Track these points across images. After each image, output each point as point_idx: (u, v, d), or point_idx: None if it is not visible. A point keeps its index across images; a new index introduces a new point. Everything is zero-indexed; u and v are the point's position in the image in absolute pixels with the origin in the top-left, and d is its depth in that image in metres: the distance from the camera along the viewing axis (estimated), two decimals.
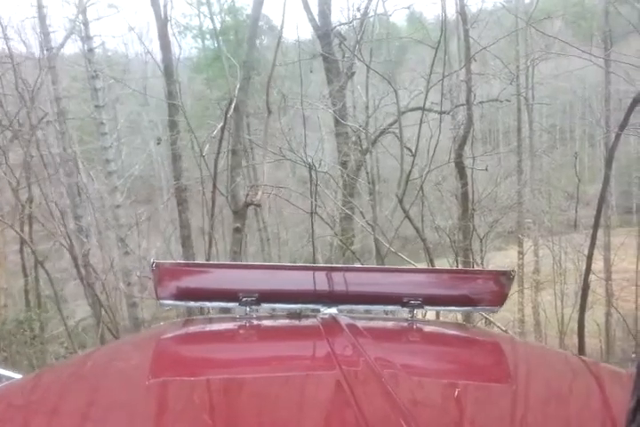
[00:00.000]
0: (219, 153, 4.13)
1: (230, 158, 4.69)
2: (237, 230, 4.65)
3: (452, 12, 9.23)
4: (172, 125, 5.06)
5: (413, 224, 5.59)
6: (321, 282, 1.57)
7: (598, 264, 11.73)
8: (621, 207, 20.45)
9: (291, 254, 13.02)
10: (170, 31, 5.27)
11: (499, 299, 1.61)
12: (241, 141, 4.73)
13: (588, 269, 5.08)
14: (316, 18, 9.27)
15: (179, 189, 5.26)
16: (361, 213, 6.83)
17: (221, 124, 4.04)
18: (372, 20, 9.06)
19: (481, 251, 9.31)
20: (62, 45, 10.25)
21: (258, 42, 10.01)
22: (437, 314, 5.41)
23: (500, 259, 14.84)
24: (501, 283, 1.58)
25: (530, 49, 11.20)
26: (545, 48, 9.30)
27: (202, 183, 4.61)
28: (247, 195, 4.56)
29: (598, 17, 12.56)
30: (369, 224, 6.05)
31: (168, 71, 5.10)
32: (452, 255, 8.35)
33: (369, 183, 7.06)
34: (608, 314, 11.84)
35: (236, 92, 4.34)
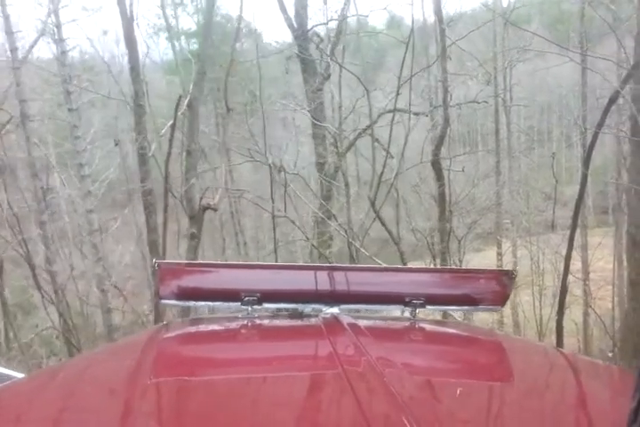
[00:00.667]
0: (169, 154, 3.91)
1: (185, 159, 4.50)
2: (193, 236, 4.43)
3: (430, 15, 9.21)
4: (139, 127, 4.89)
5: (386, 227, 5.49)
6: (323, 282, 1.57)
7: (576, 264, 11.80)
8: (598, 207, 20.73)
9: (264, 257, 12.89)
10: (137, 31, 5.13)
11: (500, 298, 1.61)
12: (196, 141, 4.54)
13: (567, 271, 5.05)
14: (293, 18, 9.16)
15: (145, 192, 5.08)
16: (334, 216, 6.70)
17: (171, 121, 3.83)
18: (349, 21, 9.00)
19: (459, 252, 9.28)
20: (32, 47, 10.03)
21: (238, 45, 9.89)
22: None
23: (478, 260, 14.87)
24: (503, 282, 1.58)
25: (507, 51, 11.25)
26: (522, 49, 9.32)
27: (164, 186, 4.37)
28: (201, 198, 4.34)
29: (574, 20, 12.69)
30: (342, 227, 5.93)
31: (134, 71, 4.92)
32: (431, 257, 8.29)
33: (345, 186, 6.94)
34: (586, 314, 11.92)
35: (190, 88, 4.17)
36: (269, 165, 4.88)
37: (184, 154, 4.60)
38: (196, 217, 4.34)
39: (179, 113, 3.78)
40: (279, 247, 6.94)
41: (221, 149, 4.75)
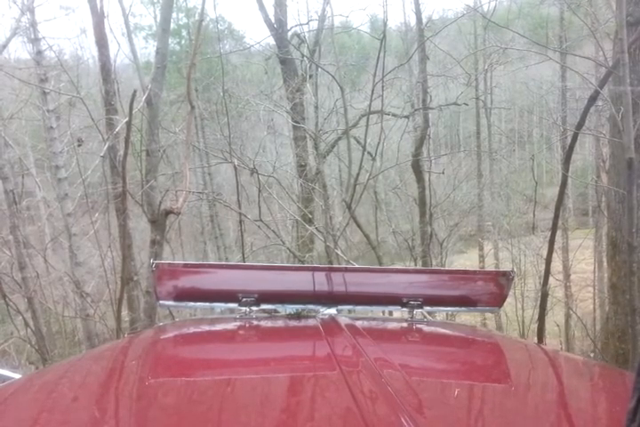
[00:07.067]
0: (126, 154, 3.77)
1: (144, 160, 4.37)
2: (155, 243, 4.27)
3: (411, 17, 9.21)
4: (110, 127, 4.75)
5: (362, 230, 5.42)
6: (320, 282, 1.58)
7: (557, 266, 11.88)
8: (578, 210, 20.98)
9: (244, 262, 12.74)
10: (116, 29, 5.01)
11: (498, 299, 1.62)
12: (156, 140, 4.41)
13: (547, 273, 5.01)
14: (272, 18, 9.06)
15: (116, 195, 4.93)
16: (310, 219, 6.59)
17: (126, 119, 3.69)
18: (330, 21, 8.93)
19: (441, 254, 9.25)
20: (4, 46, 9.77)
21: (220, 46, 9.78)
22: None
23: (461, 262, 14.95)
24: (500, 283, 1.58)
25: (488, 54, 11.28)
26: (503, 52, 9.35)
27: (122, 188, 4.18)
28: (160, 202, 4.19)
29: (554, 25, 12.83)
30: (319, 231, 5.85)
31: (105, 70, 4.78)
32: (413, 260, 8.23)
33: (322, 188, 6.86)
34: (567, 315, 11.98)
35: (149, 82, 4.03)
36: (235, 167, 4.76)
37: (143, 154, 4.47)
38: (157, 222, 4.18)
39: (134, 110, 3.64)
40: (255, 252, 6.82)
41: (187, 149, 4.59)
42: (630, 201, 3.42)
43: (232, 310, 1.57)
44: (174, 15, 15.50)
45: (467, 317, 11.89)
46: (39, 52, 11.14)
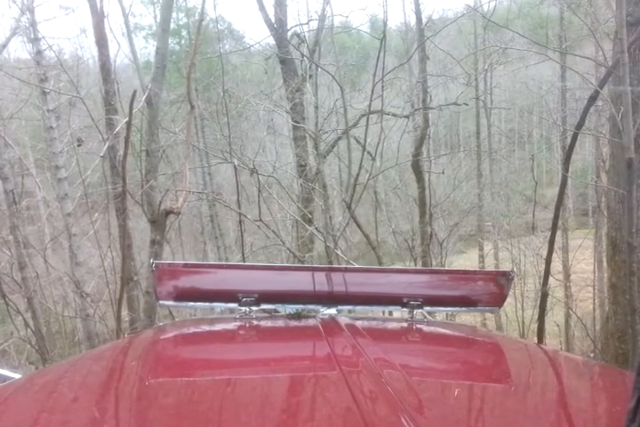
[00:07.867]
0: (125, 154, 3.78)
1: (144, 160, 4.38)
2: (155, 243, 4.26)
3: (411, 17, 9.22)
4: (110, 127, 4.76)
5: (362, 230, 5.42)
6: (320, 283, 1.58)
7: (557, 266, 11.89)
8: (578, 210, 20.99)
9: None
10: (115, 29, 5.01)
11: (498, 299, 1.62)
12: (156, 140, 4.42)
13: (547, 273, 5.01)
14: (273, 18, 9.06)
15: (116, 195, 4.94)
16: (310, 219, 6.60)
17: (126, 119, 3.69)
18: (330, 21, 8.94)
19: (441, 254, 9.26)
20: (4, 46, 9.78)
21: (220, 46, 9.78)
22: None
23: (461, 262, 14.95)
24: (500, 283, 1.58)
25: (488, 54, 11.28)
26: (503, 52, 9.35)
27: (122, 188, 4.15)
28: (160, 202, 4.20)
29: (554, 25, 12.84)
30: (319, 231, 5.85)
31: (104, 70, 4.79)
32: (413, 260, 8.23)
33: (322, 188, 6.86)
34: (567, 315, 11.99)
35: (149, 82, 4.04)
36: (234, 167, 4.76)
37: (143, 154, 4.48)
38: (157, 222, 4.18)
39: (134, 110, 3.64)
40: (255, 252, 6.82)
41: (187, 148, 4.60)
42: (630, 201, 3.42)
43: (232, 310, 1.57)
44: (174, 15, 15.48)
45: (467, 317, 11.89)
46: (39, 52, 11.15)
